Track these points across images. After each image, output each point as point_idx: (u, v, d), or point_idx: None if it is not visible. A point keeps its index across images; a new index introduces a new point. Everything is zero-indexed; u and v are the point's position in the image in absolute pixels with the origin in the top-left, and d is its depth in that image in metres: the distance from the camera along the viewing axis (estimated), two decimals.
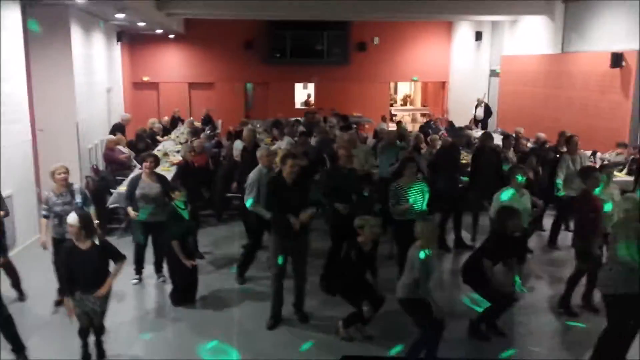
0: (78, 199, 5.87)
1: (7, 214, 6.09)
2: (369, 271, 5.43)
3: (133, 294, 6.59)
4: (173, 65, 18.86)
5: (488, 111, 16.00)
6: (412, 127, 17.06)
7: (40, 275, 6.47)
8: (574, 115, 12.59)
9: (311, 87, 20.59)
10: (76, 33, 10.71)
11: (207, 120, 15.10)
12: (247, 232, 7.45)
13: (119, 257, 4.94)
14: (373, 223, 5.25)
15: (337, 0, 13.03)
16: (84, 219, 4.79)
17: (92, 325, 4.95)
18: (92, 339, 5.05)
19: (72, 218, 4.75)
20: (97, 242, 4.83)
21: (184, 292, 6.24)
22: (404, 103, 24.26)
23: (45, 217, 5.93)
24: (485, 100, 16.35)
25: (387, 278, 6.19)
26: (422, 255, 4.77)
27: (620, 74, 11.30)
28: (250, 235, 7.17)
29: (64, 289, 4.85)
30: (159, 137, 12.82)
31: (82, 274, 4.74)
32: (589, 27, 12.68)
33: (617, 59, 11.20)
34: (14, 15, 8.17)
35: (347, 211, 6.24)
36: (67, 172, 5.90)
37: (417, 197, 6.30)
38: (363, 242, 5.24)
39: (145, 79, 18.67)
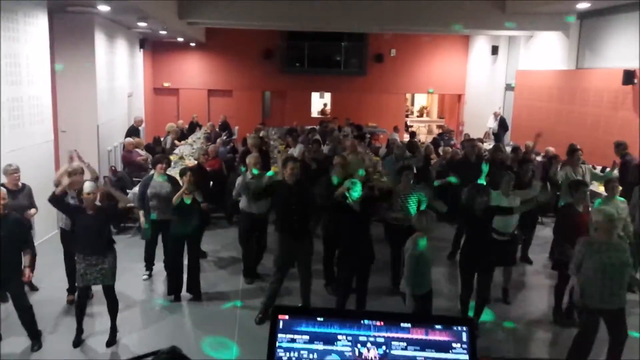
0: None
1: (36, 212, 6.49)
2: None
3: (142, 288, 6.89)
4: (193, 73, 19.31)
5: (504, 124, 16.10)
6: (425, 138, 17.21)
7: (55, 269, 6.80)
8: (586, 131, 12.66)
9: (328, 96, 20.89)
10: (100, 40, 11.16)
11: (224, 127, 15.46)
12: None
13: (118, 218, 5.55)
14: (359, 186, 5.57)
15: (354, 13, 13.30)
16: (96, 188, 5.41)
17: (106, 297, 5.48)
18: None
19: (88, 186, 5.29)
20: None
21: (178, 282, 6.53)
22: (421, 114, 24.42)
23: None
24: (501, 113, 16.47)
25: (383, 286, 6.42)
26: (422, 244, 4.97)
27: (632, 91, 11.38)
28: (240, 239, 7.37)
29: None
30: (176, 142, 13.19)
31: (84, 235, 5.22)
32: (603, 44, 12.78)
33: (628, 77, 11.27)
34: (41, 22, 8.60)
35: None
36: (82, 172, 6.24)
37: (412, 205, 6.47)
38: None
39: (166, 84, 19.15)
